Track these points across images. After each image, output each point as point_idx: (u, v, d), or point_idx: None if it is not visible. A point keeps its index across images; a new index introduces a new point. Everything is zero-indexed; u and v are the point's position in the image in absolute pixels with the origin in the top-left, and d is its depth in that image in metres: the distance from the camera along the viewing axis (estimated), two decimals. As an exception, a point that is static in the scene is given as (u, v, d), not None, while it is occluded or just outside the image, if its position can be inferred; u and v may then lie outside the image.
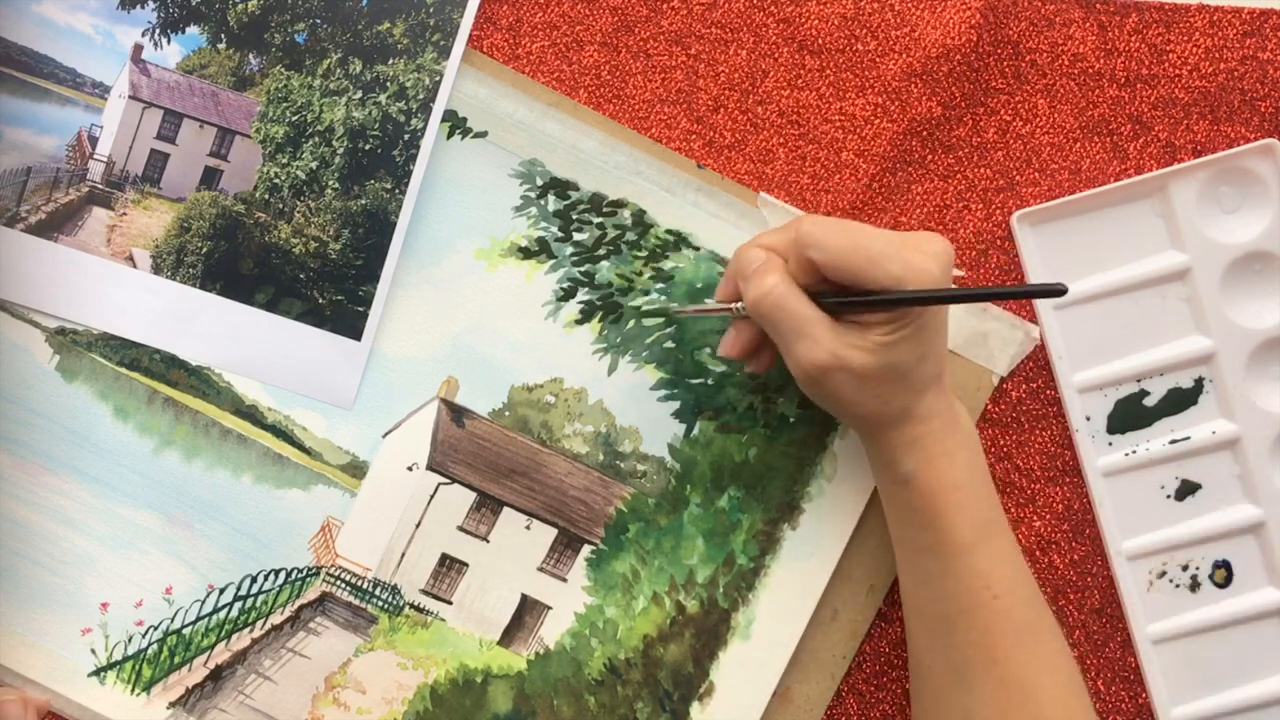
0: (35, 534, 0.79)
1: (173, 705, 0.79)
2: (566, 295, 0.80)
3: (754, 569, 0.80)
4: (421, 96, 0.79)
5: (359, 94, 0.79)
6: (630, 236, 0.80)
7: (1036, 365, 0.80)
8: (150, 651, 0.79)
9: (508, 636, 0.80)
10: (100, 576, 0.79)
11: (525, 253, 0.80)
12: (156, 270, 0.79)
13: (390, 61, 0.79)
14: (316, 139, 0.79)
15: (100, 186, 0.79)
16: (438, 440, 0.80)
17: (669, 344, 0.80)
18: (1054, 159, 0.80)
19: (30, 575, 0.79)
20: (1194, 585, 0.80)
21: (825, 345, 0.68)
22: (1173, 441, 0.80)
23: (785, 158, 0.80)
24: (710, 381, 0.80)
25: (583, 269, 0.80)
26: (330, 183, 0.79)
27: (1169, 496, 0.80)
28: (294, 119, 0.79)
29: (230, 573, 0.79)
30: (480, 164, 0.79)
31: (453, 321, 0.80)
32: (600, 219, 0.80)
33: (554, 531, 0.80)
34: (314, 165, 0.79)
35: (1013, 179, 0.80)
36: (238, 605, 0.80)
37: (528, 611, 0.80)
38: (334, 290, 0.79)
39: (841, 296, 0.68)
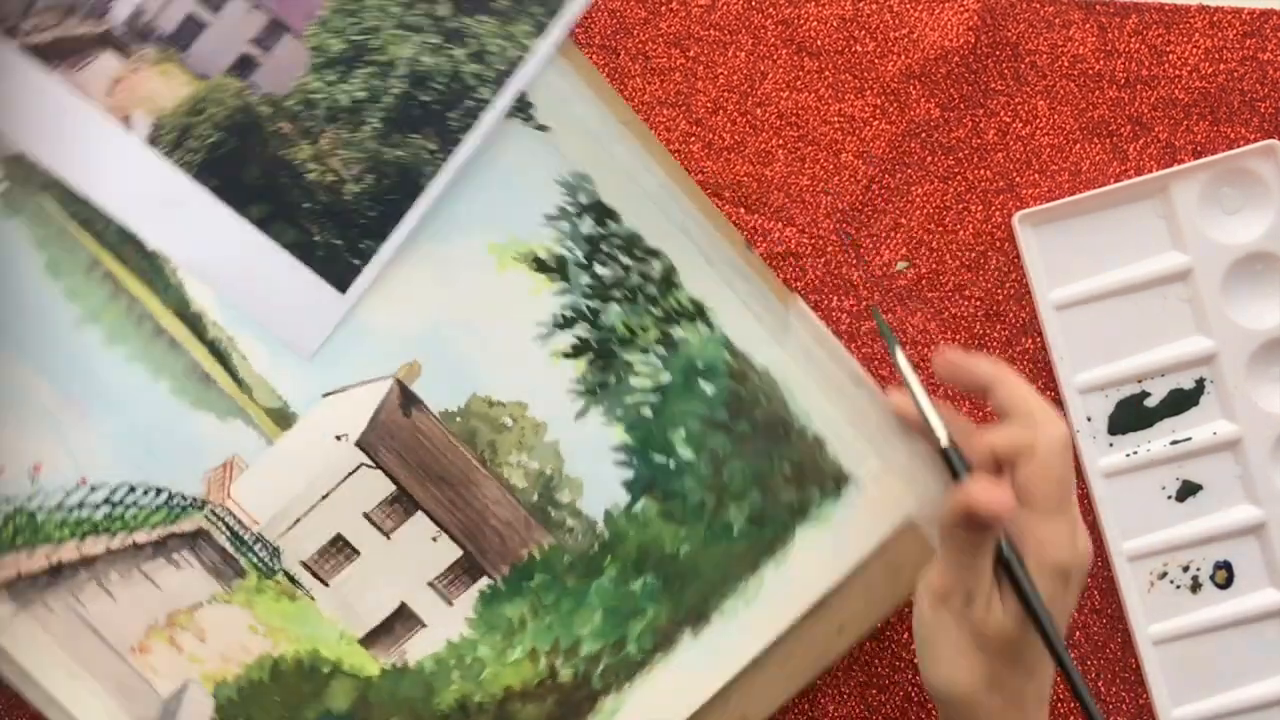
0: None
1: (-2, 586, 0.72)
2: (565, 324, 0.74)
3: (641, 661, 0.76)
4: (501, 67, 0.71)
5: (437, 39, 0.71)
6: (652, 290, 0.74)
7: (1037, 366, 0.81)
8: (-7, 523, 0.72)
9: (371, 639, 0.75)
10: (-33, 423, 0.72)
11: (540, 265, 0.74)
12: (152, 142, 0.70)
13: (480, 18, 0.71)
14: (373, 69, 0.71)
15: (120, 31, 0.69)
16: (378, 420, 0.74)
17: (648, 411, 0.75)
18: (1054, 160, 0.81)
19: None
20: (1195, 586, 0.81)
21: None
22: (1174, 442, 0.81)
23: (784, 159, 0.80)
24: (673, 465, 0.75)
25: (591, 304, 0.74)
26: (371, 120, 0.71)
27: (1170, 497, 0.81)
28: (356, 38, 0.70)
29: (110, 473, 0.72)
30: (529, 157, 0.72)
31: (440, 307, 0.73)
32: (629, 261, 0.74)
33: (459, 553, 0.75)
34: (360, 95, 0.71)
35: (1012, 180, 0.81)
36: (105, 509, 0.73)
37: (400, 621, 0.76)
38: (334, 232, 0.71)
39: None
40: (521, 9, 0.71)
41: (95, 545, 0.73)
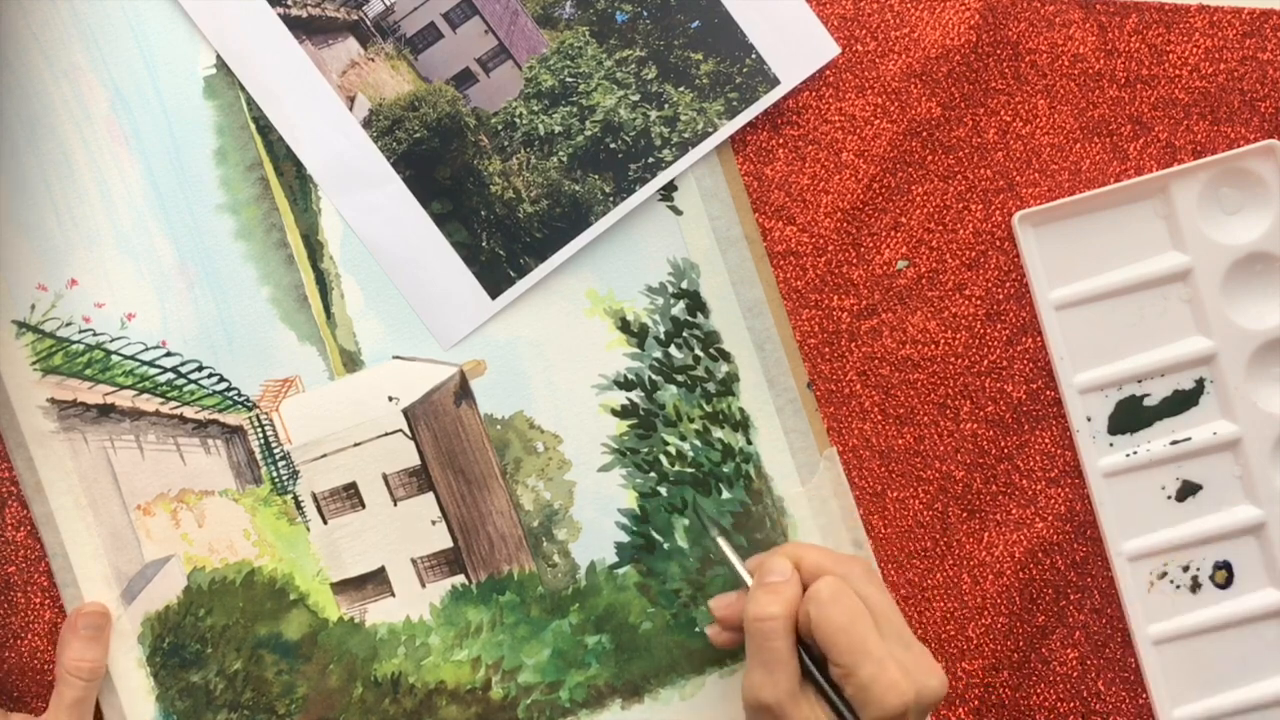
0: (73, 172, 0.78)
1: (53, 402, 0.79)
2: (624, 385, 0.80)
3: (566, 710, 0.80)
4: (687, 135, 0.78)
5: (637, 96, 0.78)
6: (711, 388, 0.80)
7: (1037, 366, 0.81)
8: (75, 348, 0.79)
9: (342, 587, 0.80)
10: (93, 255, 0.78)
11: (624, 325, 0.80)
12: (366, 125, 0.78)
13: (682, 89, 0.78)
14: (574, 109, 0.78)
15: (369, 24, 0.78)
16: (430, 398, 0.79)
17: (664, 491, 0.80)
18: (1054, 160, 0.80)
19: (40, 205, 0.78)
20: (1195, 586, 0.81)
21: (780, 691, 0.67)
22: (1174, 442, 0.80)
23: (785, 158, 0.80)
24: (666, 546, 0.80)
25: (654, 378, 0.80)
26: (561, 153, 0.78)
27: (1170, 497, 0.81)
28: (568, 79, 0.78)
29: (187, 346, 0.79)
30: (655, 230, 0.79)
31: (525, 324, 0.79)
32: (701, 354, 0.80)
33: (450, 544, 0.80)
34: (557, 129, 0.78)
35: (1013, 180, 0.80)
36: (170, 375, 0.79)
37: (374, 582, 0.80)
38: (501, 243, 0.79)
39: (822, 669, 0.69)
40: (719, 90, 0.78)
41: (148, 403, 0.79)
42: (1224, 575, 0.81)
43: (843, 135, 0.80)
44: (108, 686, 0.79)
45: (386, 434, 0.80)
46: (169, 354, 0.79)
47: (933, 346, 0.80)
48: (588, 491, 0.80)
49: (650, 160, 0.78)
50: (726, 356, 0.80)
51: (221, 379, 0.79)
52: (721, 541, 0.77)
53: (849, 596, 0.68)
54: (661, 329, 0.80)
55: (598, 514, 0.80)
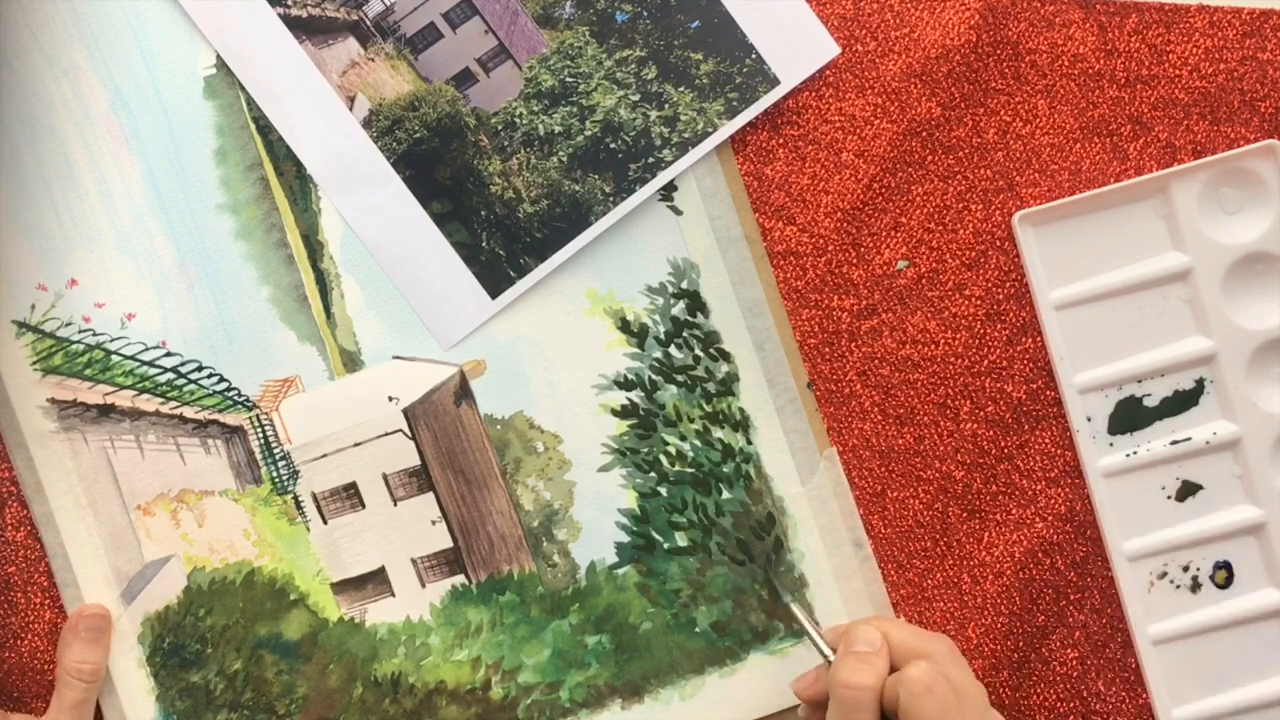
0: (73, 172, 0.78)
1: (53, 402, 0.79)
2: (624, 385, 0.80)
3: (566, 710, 0.80)
4: (687, 135, 0.78)
5: (637, 96, 0.78)
6: (711, 388, 0.80)
7: (1037, 366, 0.80)
8: (75, 348, 0.79)
9: (342, 587, 0.80)
10: (93, 255, 0.78)
11: (624, 325, 0.80)
12: (366, 125, 0.78)
13: (682, 89, 0.78)
14: (574, 109, 0.78)
15: (369, 24, 0.78)
16: (430, 398, 0.79)
17: (664, 491, 0.80)
18: (1054, 160, 0.80)
19: (40, 205, 0.78)
20: (1195, 586, 0.81)
21: None
22: (1173, 442, 0.80)
23: (785, 158, 0.80)
24: (666, 546, 0.80)
25: (654, 378, 0.80)
26: (561, 153, 0.78)
27: (1170, 497, 0.81)
28: (568, 79, 0.78)
29: (187, 346, 0.79)
30: (655, 229, 0.79)
31: (525, 324, 0.79)
32: (701, 354, 0.80)
33: (450, 544, 0.80)
34: (557, 129, 0.78)
35: (1013, 180, 0.80)
36: (170, 375, 0.79)
37: (374, 582, 0.80)
38: (500, 243, 0.79)
39: None
40: (719, 90, 0.78)
41: (148, 403, 0.79)
42: (1224, 575, 0.81)
43: (843, 135, 0.80)
44: (108, 687, 0.79)
45: (386, 434, 0.80)
46: (169, 354, 0.79)
47: (933, 346, 0.80)
48: (588, 491, 0.80)
49: (650, 160, 0.78)
50: (726, 356, 0.80)
51: (221, 379, 0.79)
52: (796, 609, 0.78)
53: (942, 686, 0.67)
54: (661, 329, 0.80)
55: (598, 514, 0.80)
